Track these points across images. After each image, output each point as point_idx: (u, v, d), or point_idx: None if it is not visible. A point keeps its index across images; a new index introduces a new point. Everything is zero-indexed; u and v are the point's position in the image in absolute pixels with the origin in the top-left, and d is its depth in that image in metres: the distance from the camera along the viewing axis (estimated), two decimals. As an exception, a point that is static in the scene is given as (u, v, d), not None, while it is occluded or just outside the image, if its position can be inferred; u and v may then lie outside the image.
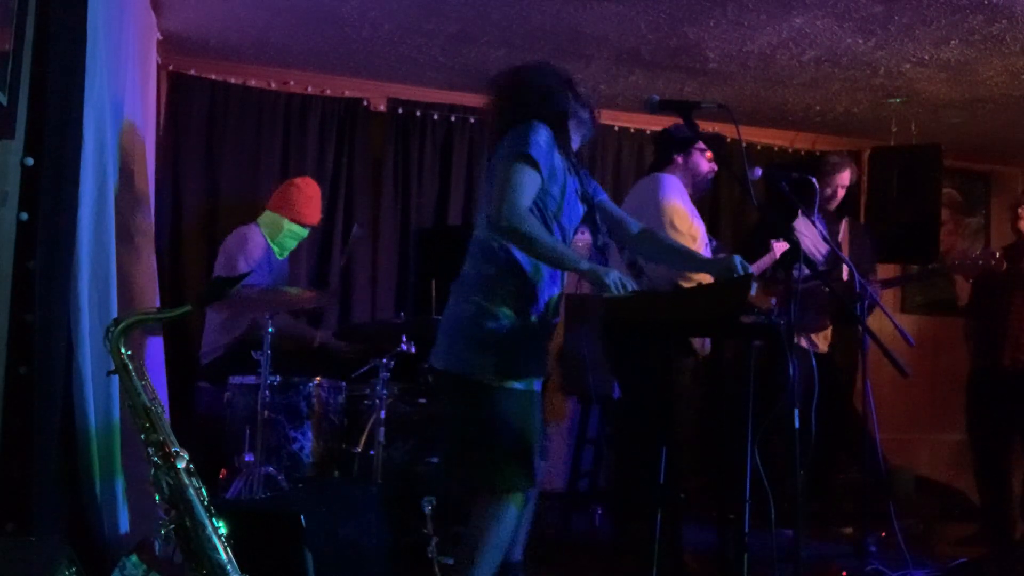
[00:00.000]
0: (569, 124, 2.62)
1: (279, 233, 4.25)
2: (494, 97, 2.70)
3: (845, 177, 4.18)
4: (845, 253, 4.09)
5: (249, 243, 4.14)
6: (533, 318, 2.51)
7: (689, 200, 3.70)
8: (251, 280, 3.82)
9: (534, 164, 2.43)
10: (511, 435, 2.46)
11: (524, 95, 2.60)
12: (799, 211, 3.92)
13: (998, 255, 4.00)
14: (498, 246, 2.51)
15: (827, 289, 3.87)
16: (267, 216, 4.27)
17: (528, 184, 2.43)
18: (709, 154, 3.71)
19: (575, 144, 2.67)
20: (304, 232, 4.35)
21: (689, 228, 3.57)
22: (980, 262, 4.03)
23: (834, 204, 4.21)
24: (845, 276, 4.13)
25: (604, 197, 2.78)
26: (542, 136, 2.46)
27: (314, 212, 4.33)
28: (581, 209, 2.67)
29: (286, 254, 4.39)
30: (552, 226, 2.55)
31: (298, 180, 4.36)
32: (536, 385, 2.60)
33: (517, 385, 2.49)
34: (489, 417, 2.46)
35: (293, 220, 4.24)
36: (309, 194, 4.30)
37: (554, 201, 2.54)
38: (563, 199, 2.56)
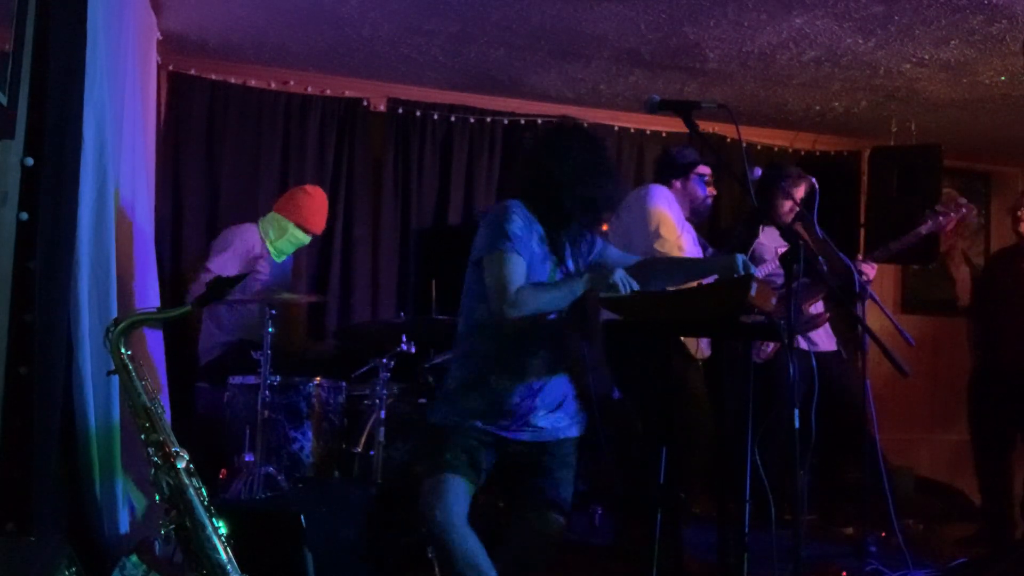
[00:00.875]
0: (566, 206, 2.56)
1: (282, 236, 4.25)
2: (523, 159, 2.75)
3: (802, 190, 4.16)
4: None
5: (239, 239, 4.14)
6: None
7: (679, 212, 3.71)
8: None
9: (516, 252, 2.46)
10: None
11: (525, 168, 2.66)
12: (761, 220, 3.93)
13: (965, 202, 3.99)
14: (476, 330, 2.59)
15: (817, 279, 3.87)
16: (272, 218, 4.26)
17: (515, 272, 2.45)
18: (709, 178, 3.74)
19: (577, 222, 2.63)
20: (307, 239, 4.37)
21: (676, 238, 3.58)
22: (952, 214, 4.01)
23: (792, 215, 4.17)
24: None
25: (604, 252, 2.74)
26: (516, 223, 2.49)
27: (321, 221, 4.38)
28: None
29: (283, 258, 4.39)
30: None
31: (309, 187, 4.39)
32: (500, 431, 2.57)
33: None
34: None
35: (300, 226, 4.26)
36: (319, 203, 4.34)
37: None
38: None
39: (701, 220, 3.91)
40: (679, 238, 3.60)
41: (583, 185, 2.54)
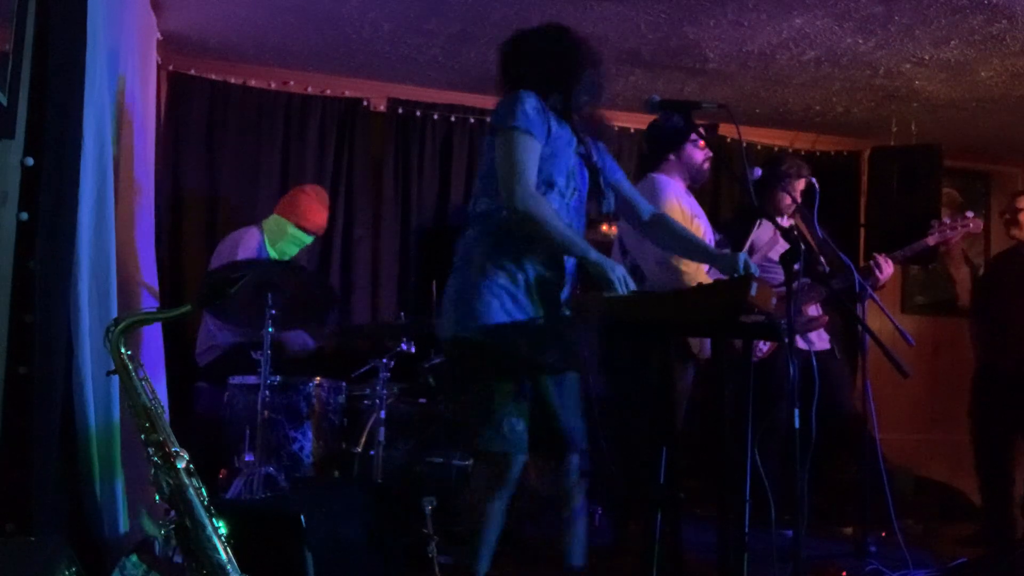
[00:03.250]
0: (573, 89, 2.57)
1: (282, 238, 4.24)
2: (499, 64, 2.69)
3: (802, 183, 4.14)
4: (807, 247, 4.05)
5: (241, 244, 4.14)
6: (526, 276, 2.51)
7: (688, 197, 3.69)
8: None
9: (528, 133, 2.44)
10: (480, 395, 2.49)
11: (522, 62, 2.61)
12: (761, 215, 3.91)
13: (971, 215, 3.98)
14: (504, 215, 2.50)
15: (818, 282, 3.86)
16: (272, 220, 4.26)
17: (529, 158, 2.43)
18: (702, 143, 3.68)
19: (582, 106, 2.63)
20: (307, 239, 4.35)
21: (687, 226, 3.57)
22: (959, 227, 4.01)
23: (793, 208, 4.17)
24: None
25: (619, 176, 2.76)
26: (529, 104, 2.46)
27: (319, 219, 4.33)
28: (580, 167, 2.61)
29: (286, 259, 4.38)
30: (554, 185, 2.53)
31: (308, 187, 4.38)
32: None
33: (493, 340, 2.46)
34: (465, 375, 2.54)
35: (297, 225, 4.25)
36: (318, 202, 4.32)
37: (546, 164, 2.52)
38: (554, 162, 2.53)
39: (700, 185, 3.85)
40: (690, 224, 3.59)
41: (580, 74, 2.55)
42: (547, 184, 2.52)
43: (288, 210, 4.26)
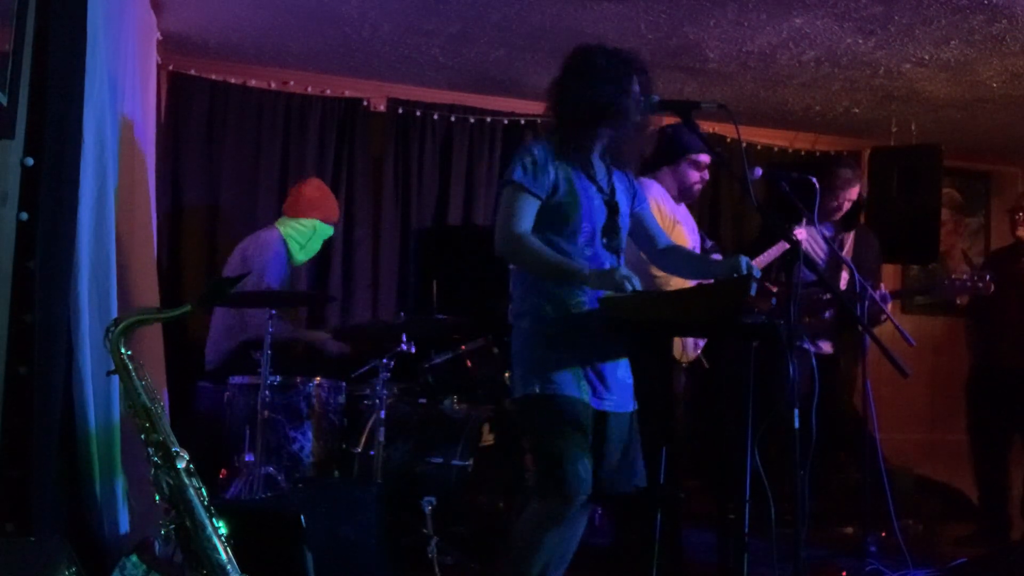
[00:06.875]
0: (601, 125, 2.59)
1: (312, 237, 4.26)
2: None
3: (854, 192, 4.17)
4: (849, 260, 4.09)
5: (274, 252, 4.13)
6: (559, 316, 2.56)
7: (672, 204, 3.69)
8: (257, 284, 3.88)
9: (521, 188, 2.51)
10: (543, 441, 2.56)
11: (556, 104, 2.63)
12: (803, 217, 3.92)
13: (988, 279, 3.99)
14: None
15: (826, 294, 3.87)
16: (295, 221, 4.23)
17: (520, 209, 2.50)
18: (704, 164, 3.69)
19: (603, 142, 2.65)
20: (331, 232, 4.40)
21: (669, 229, 3.58)
22: (968, 284, 4.03)
23: (838, 216, 4.20)
24: (844, 284, 4.13)
25: (643, 208, 2.81)
26: (528, 158, 2.52)
27: (338, 211, 4.47)
28: (600, 208, 2.63)
29: (311, 256, 4.39)
30: (577, 237, 2.57)
31: (316, 182, 4.41)
32: (587, 396, 2.58)
33: (553, 391, 2.53)
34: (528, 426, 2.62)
35: (326, 221, 4.30)
36: (330, 194, 4.40)
37: (566, 211, 2.55)
38: (576, 208, 2.55)
39: (687, 203, 3.88)
40: (671, 230, 3.60)
41: (586, 93, 2.53)
42: (573, 232, 2.56)
43: (315, 208, 4.26)
